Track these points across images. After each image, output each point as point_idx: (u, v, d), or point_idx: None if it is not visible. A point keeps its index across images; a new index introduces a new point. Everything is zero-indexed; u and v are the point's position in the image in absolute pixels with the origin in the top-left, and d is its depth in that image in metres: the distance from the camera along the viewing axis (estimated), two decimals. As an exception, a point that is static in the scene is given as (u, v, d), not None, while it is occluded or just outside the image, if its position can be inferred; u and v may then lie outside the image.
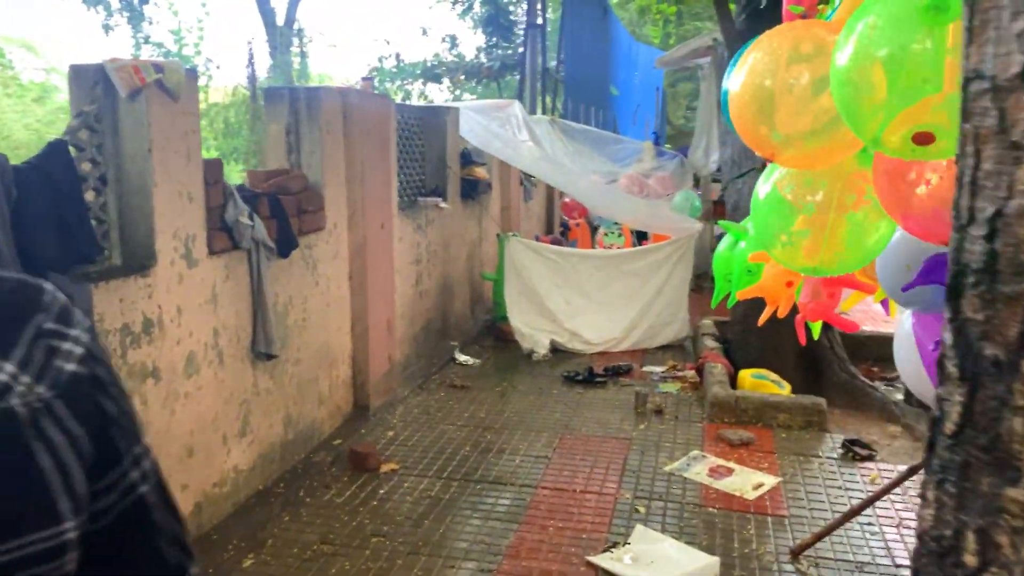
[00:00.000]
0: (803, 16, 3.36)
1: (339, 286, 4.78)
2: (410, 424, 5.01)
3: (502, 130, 7.40)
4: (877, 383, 5.79)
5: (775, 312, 4.29)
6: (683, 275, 6.68)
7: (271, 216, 3.99)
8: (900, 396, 5.66)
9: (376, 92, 6.22)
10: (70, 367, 0.66)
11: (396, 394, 5.39)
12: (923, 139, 1.47)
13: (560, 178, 7.49)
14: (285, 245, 4.08)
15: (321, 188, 4.50)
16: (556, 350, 6.60)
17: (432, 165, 6.63)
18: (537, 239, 7.80)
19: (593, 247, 9.18)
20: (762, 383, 5.35)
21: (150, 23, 17.06)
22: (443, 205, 6.47)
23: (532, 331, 6.59)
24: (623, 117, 15.84)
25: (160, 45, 16.33)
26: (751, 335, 5.79)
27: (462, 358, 6.41)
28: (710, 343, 6.02)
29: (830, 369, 5.58)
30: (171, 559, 0.74)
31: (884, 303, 4.07)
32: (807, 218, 1.93)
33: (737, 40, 6.08)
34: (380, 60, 19.70)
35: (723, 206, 9.80)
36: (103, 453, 0.67)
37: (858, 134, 1.56)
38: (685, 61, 10.43)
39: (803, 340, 3.71)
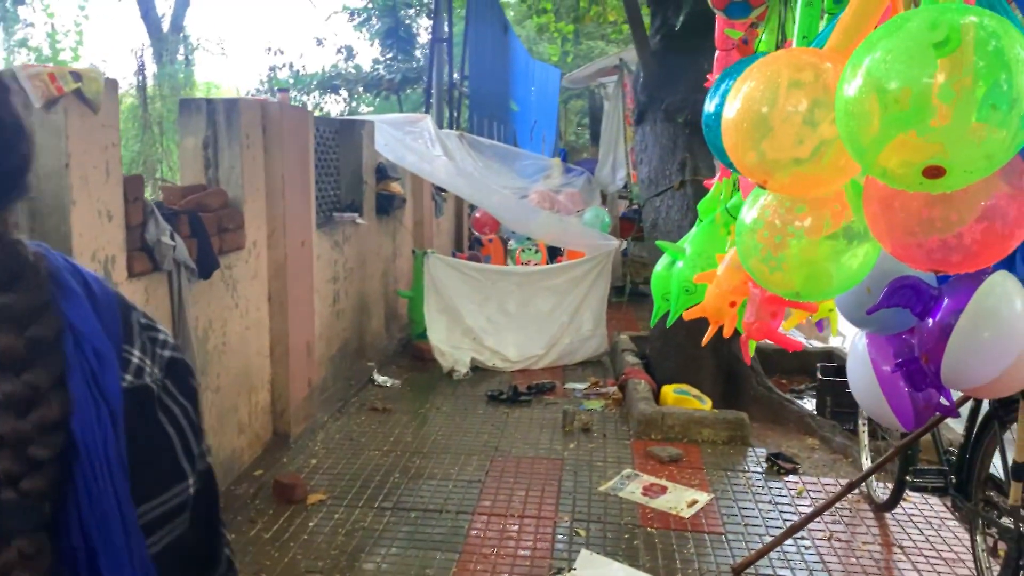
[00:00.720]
0: (743, 41, 3.41)
1: (259, 308, 4.55)
2: (333, 451, 4.81)
3: (416, 144, 7.28)
4: (787, 395, 5.97)
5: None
6: (602, 291, 6.72)
7: (192, 235, 3.76)
8: (811, 407, 5.85)
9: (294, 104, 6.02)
10: (167, 353, 0.81)
11: (316, 419, 5.18)
12: (933, 173, 1.47)
13: (474, 193, 7.43)
14: (206, 266, 3.84)
15: (241, 205, 4.28)
16: (477, 368, 6.51)
17: (348, 180, 6.45)
18: (455, 255, 7.70)
19: (506, 262, 9.16)
20: (684, 398, 5.42)
21: (25, 25, 16.08)
22: (360, 221, 6.29)
23: (452, 350, 6.48)
24: (522, 132, 15.96)
25: (37, 50, 15.39)
26: (671, 351, 5.86)
27: (381, 379, 6.23)
28: (631, 359, 6.07)
29: (748, 383, 5.71)
30: (223, 528, 0.87)
31: (821, 323, 4.18)
32: (797, 243, 1.93)
33: (652, 60, 6.19)
34: (272, 70, 19.21)
35: (631, 223, 9.98)
36: (198, 424, 0.81)
37: (862, 164, 1.55)
38: (591, 80, 10.59)
39: (747, 359, 3.75)
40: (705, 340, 3.77)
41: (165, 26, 20.48)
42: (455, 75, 12.44)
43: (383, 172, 7.00)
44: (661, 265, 4.44)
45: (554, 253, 8.81)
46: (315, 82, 17.30)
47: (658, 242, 4.50)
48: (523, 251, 7.77)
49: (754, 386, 5.67)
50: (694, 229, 4.34)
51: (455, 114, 12.19)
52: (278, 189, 4.63)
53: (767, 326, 3.36)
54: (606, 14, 14.30)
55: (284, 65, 18.80)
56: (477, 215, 9.78)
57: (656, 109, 6.23)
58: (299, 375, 4.92)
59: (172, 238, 3.53)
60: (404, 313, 7.78)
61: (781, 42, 3.30)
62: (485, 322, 6.59)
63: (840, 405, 5.42)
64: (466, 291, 6.55)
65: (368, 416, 5.47)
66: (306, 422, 5.01)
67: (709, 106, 2.29)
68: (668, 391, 5.49)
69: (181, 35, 21.51)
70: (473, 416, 5.51)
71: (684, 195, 5.85)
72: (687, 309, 4.37)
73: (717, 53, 4.11)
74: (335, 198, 6.31)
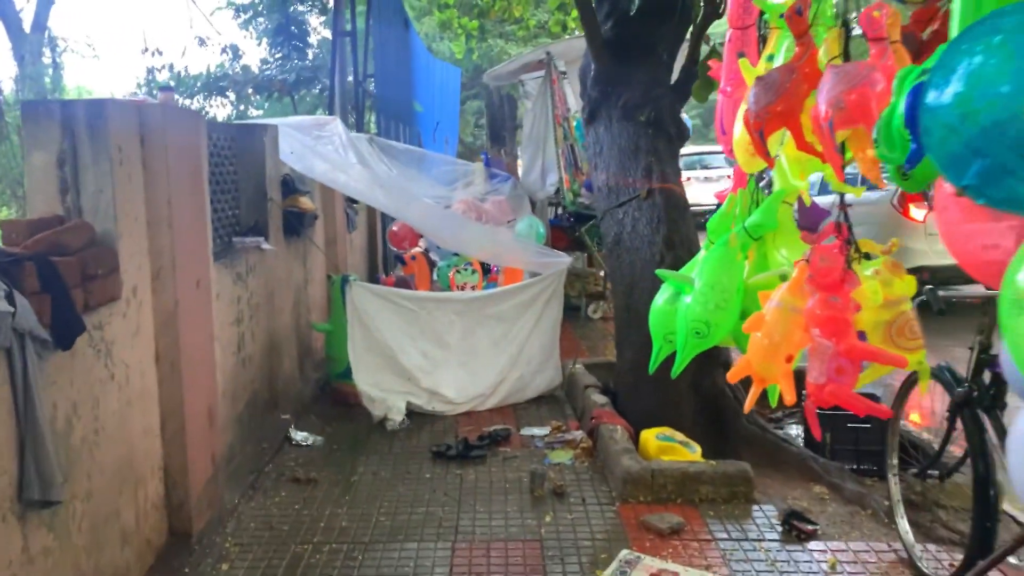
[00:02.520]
0: (796, 11, 2.60)
1: (143, 374, 3.46)
2: (250, 548, 3.76)
3: (327, 151, 6.23)
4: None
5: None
6: (554, 316, 5.86)
7: (42, 290, 2.67)
8: (796, 434, 5.16)
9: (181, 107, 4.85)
10: None
11: (223, 505, 4.10)
12: None
13: (396, 205, 6.42)
14: (65, 331, 2.76)
15: (114, 241, 3.19)
16: (413, 413, 5.54)
17: (249, 196, 5.36)
18: (379, 281, 6.65)
19: (432, 284, 8.17)
20: (670, 446, 4.60)
21: None
22: (266, 246, 5.22)
23: (384, 394, 5.49)
24: (426, 135, 15.18)
25: None
26: (644, 385, 5.04)
27: (299, 436, 5.18)
28: (596, 397, 5.21)
29: (736, 421, 4.95)
30: None
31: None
32: None
33: (604, 51, 5.37)
34: (151, 72, 17.54)
35: (562, 231, 9.16)
36: None
37: None
38: (516, 76, 9.73)
39: (818, 435, 2.93)
40: (747, 406, 2.94)
41: (27, 25, 18.52)
42: (359, 74, 11.35)
43: (290, 185, 5.93)
44: (661, 299, 3.61)
45: (486, 270, 7.88)
46: (199, 84, 15.80)
47: (660, 272, 3.66)
48: (458, 272, 6.75)
49: (743, 424, 4.91)
50: (701, 253, 3.51)
51: (361, 116, 11.11)
52: (163, 216, 3.55)
53: (842, 388, 2.55)
54: (511, 8, 13.50)
55: (163, 67, 17.18)
56: (394, 228, 8.77)
57: (612, 107, 5.41)
58: (200, 452, 3.84)
59: (9, 299, 2.44)
60: (320, 347, 6.71)
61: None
62: (421, 359, 5.62)
63: (841, 441, 4.72)
64: (398, 324, 5.56)
65: (289, 491, 4.42)
66: (211, 511, 3.94)
67: (941, 94, 1.41)
68: (649, 438, 4.67)
69: (46, 35, 19.51)
70: (419, 482, 4.54)
71: (653, 205, 5.05)
72: (702, 351, 3.59)
73: (729, 34, 3.30)
74: (234, 220, 5.22)
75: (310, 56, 17.86)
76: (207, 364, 4.02)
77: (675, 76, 5.48)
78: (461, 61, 21.09)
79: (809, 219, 6.26)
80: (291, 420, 5.38)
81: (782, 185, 3.02)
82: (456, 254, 7.51)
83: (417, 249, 8.59)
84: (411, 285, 6.30)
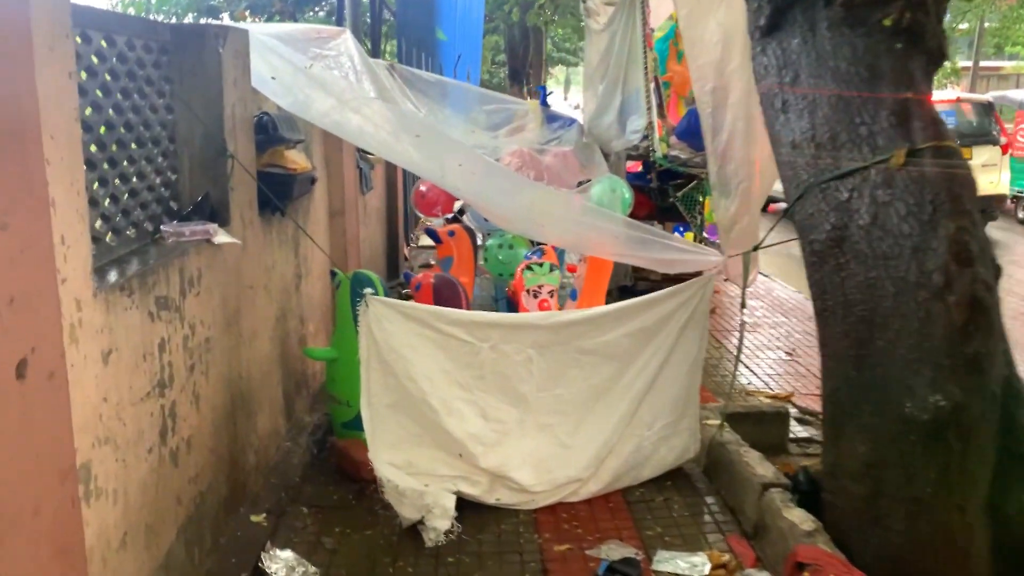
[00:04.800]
0: None
1: None
2: None
3: (331, 78, 3.97)
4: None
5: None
6: (694, 350, 3.64)
7: None
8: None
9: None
10: None
11: None
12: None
13: (434, 164, 4.09)
14: None
15: None
16: (465, 506, 3.39)
17: (193, 151, 3.13)
18: (409, 281, 4.29)
19: (475, 268, 5.92)
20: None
21: None
22: (222, 238, 3.00)
23: (419, 482, 3.33)
24: (447, 67, 12.96)
25: None
26: (891, 505, 2.83)
27: (279, 561, 3.04)
28: (794, 516, 2.99)
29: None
30: None
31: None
32: None
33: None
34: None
35: (644, 195, 6.87)
36: None
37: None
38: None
39: None
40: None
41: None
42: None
43: (270, 132, 3.69)
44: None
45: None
46: (183, 3, 13.36)
47: None
48: (530, 270, 4.33)
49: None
50: None
51: (377, 41, 8.76)
52: None
53: None
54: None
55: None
56: (422, 188, 6.50)
57: (816, 5, 3.10)
58: None
59: None
60: (316, 371, 4.55)
61: None
62: (480, 422, 3.44)
63: None
64: (443, 365, 3.37)
65: None
66: None
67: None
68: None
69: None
70: None
71: (918, 180, 2.79)
72: None
73: None
74: (164, 194, 3.01)
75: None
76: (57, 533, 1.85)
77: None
78: (488, -14, 18.55)
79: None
80: (268, 527, 3.23)
81: None
82: (511, 237, 5.18)
83: (452, 217, 6.32)
84: (458, 290, 4.03)
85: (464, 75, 13.74)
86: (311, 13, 14.17)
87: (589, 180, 6.10)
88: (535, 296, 4.11)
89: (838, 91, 3.03)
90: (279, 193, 3.66)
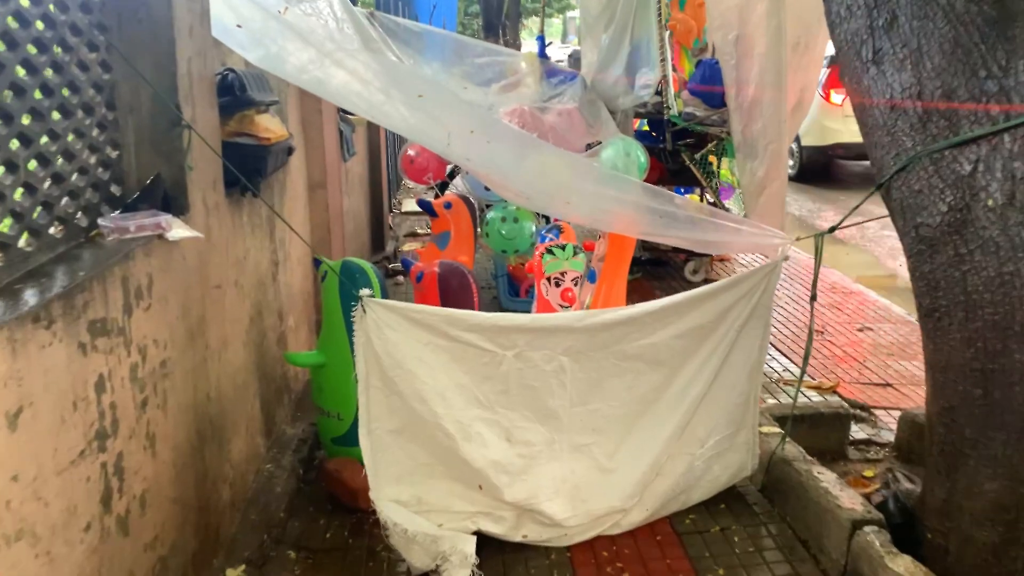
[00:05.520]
0: None
1: None
2: None
3: (309, 26, 3.28)
4: None
5: None
6: (755, 347, 3.05)
7: None
8: None
9: None
10: None
11: None
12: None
13: (433, 128, 3.41)
14: None
15: None
16: (486, 543, 2.81)
17: (140, 120, 2.46)
18: (408, 267, 3.59)
19: (476, 243, 5.27)
20: None
21: None
22: (178, 232, 2.35)
23: (429, 520, 2.75)
24: (423, 16, 12.23)
25: None
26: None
27: (264, 633, 2.44)
28: (898, 566, 2.44)
29: None
30: None
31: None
32: None
33: None
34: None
35: (653, 157, 6.22)
36: None
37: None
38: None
39: None
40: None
41: None
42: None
43: (237, 91, 3.02)
44: None
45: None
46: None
47: None
48: (550, 253, 3.61)
49: None
50: None
51: (353, -14, 7.94)
52: None
53: None
54: None
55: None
56: (410, 152, 5.80)
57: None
58: None
59: None
60: (300, 370, 3.93)
61: None
62: (503, 446, 2.84)
63: None
64: (458, 380, 2.76)
65: None
66: None
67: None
68: None
69: None
70: None
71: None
72: None
73: None
74: (104, 177, 2.34)
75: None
76: None
77: None
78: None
79: None
80: (247, 585, 2.64)
81: None
82: (551, 219, 4.48)
83: (452, 191, 5.64)
84: (469, 280, 3.38)
85: (440, 25, 12.98)
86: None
87: (599, 142, 5.47)
88: (557, 285, 3.49)
89: (954, 34, 2.41)
90: (251, 169, 3.00)
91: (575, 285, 3.55)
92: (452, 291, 3.41)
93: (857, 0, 2.68)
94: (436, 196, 5.53)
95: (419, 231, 7.87)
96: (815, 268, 2.95)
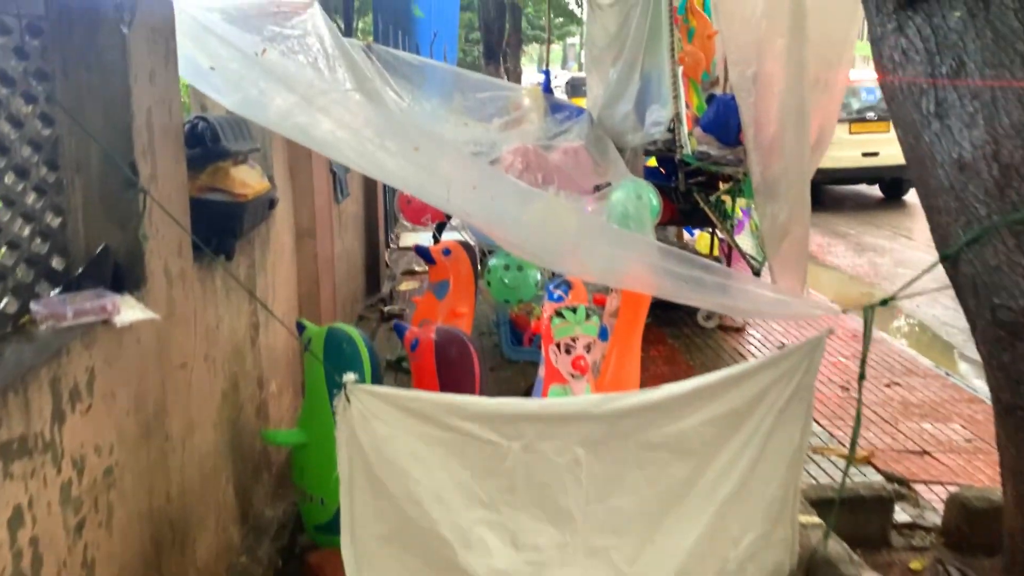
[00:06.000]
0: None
1: None
2: None
3: (296, 67, 2.95)
4: None
5: None
6: (796, 433, 2.66)
7: None
8: None
9: None
10: None
11: None
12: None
13: (429, 180, 3.04)
14: None
15: None
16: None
17: (89, 181, 2.11)
18: (402, 334, 3.20)
19: (477, 293, 4.90)
20: None
21: None
22: (129, 314, 1.99)
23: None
24: (424, 45, 12.04)
25: None
26: None
27: None
28: None
29: None
30: None
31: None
32: None
33: None
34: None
35: (665, 196, 5.87)
36: None
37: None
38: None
39: None
40: None
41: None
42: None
43: (209, 142, 2.67)
44: None
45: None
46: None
47: None
48: (559, 317, 3.19)
49: None
50: None
51: (350, 17, 7.65)
52: None
53: None
54: None
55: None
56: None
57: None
58: None
59: None
60: (283, 459, 3.56)
61: None
62: (510, 553, 2.47)
63: None
64: (457, 475, 2.39)
65: None
66: None
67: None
68: None
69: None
70: None
71: None
72: None
73: None
74: (43, 249, 1.98)
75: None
76: None
77: None
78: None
79: None
80: None
81: None
82: (560, 276, 4.09)
83: (451, 235, 5.29)
84: (470, 350, 3.01)
85: (441, 54, 12.79)
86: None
87: (608, 184, 5.13)
88: (568, 352, 3.13)
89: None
90: (223, 229, 2.65)
91: (587, 351, 3.18)
92: (451, 361, 3.05)
93: (914, 43, 2.34)
94: (435, 240, 5.18)
95: (416, 268, 7.53)
96: (864, 344, 2.58)
